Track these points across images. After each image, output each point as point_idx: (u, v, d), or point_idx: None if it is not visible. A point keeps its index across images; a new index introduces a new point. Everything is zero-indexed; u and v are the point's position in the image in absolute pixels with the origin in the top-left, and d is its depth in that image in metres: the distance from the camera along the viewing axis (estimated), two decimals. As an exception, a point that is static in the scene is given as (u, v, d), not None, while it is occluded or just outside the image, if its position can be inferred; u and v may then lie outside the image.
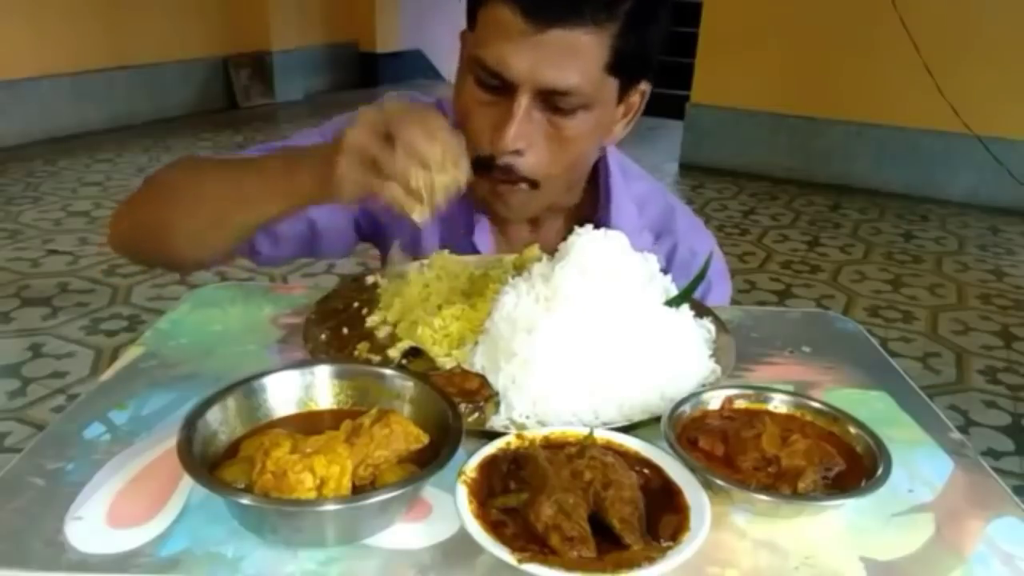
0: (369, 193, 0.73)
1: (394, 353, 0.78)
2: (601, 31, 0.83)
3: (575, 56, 0.83)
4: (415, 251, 1.02)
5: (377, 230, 1.07)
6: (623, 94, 0.91)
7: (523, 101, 0.84)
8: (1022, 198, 4.19)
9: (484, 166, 0.85)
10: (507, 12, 0.82)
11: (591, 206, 1.03)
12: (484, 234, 1.01)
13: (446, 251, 0.94)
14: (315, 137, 1.00)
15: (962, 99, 4.09)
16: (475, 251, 1.00)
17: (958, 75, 4.09)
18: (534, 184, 0.89)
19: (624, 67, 0.87)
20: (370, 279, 0.95)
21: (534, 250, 0.91)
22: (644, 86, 0.94)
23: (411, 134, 0.71)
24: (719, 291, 1.07)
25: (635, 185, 1.07)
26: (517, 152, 0.86)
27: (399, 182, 0.71)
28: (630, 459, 0.60)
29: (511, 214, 0.96)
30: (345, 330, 0.84)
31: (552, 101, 0.85)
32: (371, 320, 0.85)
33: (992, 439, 2.24)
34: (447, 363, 0.75)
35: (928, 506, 0.62)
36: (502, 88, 0.85)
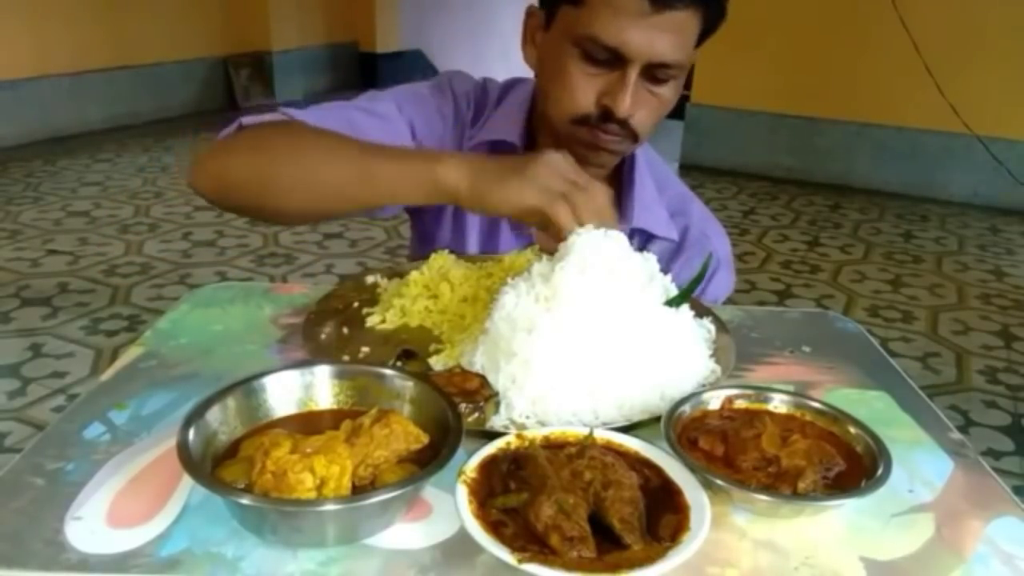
0: (546, 205, 0.80)
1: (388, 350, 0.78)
2: (700, 9, 0.92)
3: (682, 34, 0.92)
4: (460, 217, 1.08)
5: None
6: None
7: (634, 74, 0.92)
8: (1022, 198, 4.19)
9: (588, 121, 0.96)
10: None
11: (617, 178, 1.10)
12: None
13: (446, 251, 0.94)
14: (390, 104, 1.04)
15: (962, 99, 4.09)
16: (520, 231, 1.06)
17: (958, 75, 4.09)
18: (635, 138, 0.99)
19: (703, 39, 0.97)
20: (370, 279, 0.95)
21: (530, 253, 0.92)
22: (695, 54, 1.02)
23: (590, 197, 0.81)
24: (723, 280, 1.11)
25: (656, 165, 1.14)
26: (631, 115, 0.95)
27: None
28: (630, 459, 0.60)
29: (605, 162, 1.03)
30: (345, 330, 0.84)
31: (653, 72, 0.93)
32: (371, 320, 0.85)
33: (992, 439, 2.24)
34: (438, 364, 0.76)
35: (928, 506, 0.62)
36: (612, 62, 0.92)
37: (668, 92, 0.97)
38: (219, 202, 0.96)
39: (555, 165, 0.83)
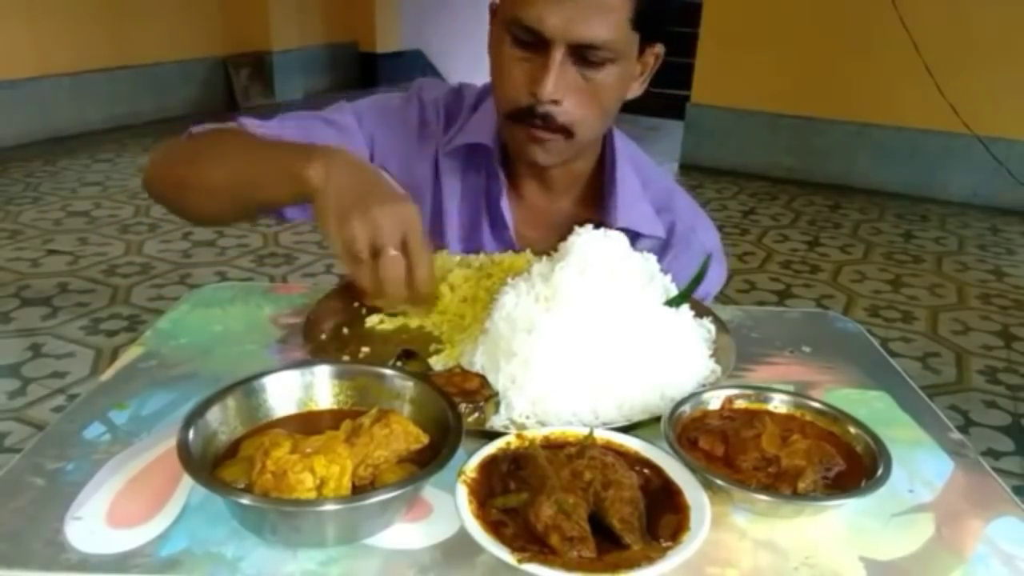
0: (351, 264, 0.79)
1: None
2: None
3: (605, 12, 0.89)
4: (439, 221, 1.06)
5: None
6: (641, 51, 0.97)
7: (557, 55, 0.89)
8: (1022, 198, 4.19)
9: (522, 117, 0.93)
10: None
11: (598, 176, 1.08)
12: (505, 201, 1.05)
13: (445, 251, 0.94)
14: (349, 114, 1.06)
15: (962, 99, 4.09)
16: (494, 214, 1.05)
17: (958, 75, 4.09)
18: (569, 133, 0.95)
19: (645, 22, 0.93)
20: None
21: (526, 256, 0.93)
22: (659, 48, 1.00)
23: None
24: (715, 274, 1.08)
25: (639, 160, 1.12)
26: (555, 102, 0.92)
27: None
28: (630, 459, 0.60)
29: (548, 159, 1.00)
30: (345, 330, 0.84)
31: (583, 54, 0.90)
32: (371, 320, 0.85)
33: (992, 439, 2.24)
34: (438, 364, 0.76)
35: (928, 506, 0.62)
36: (537, 44, 0.90)
37: (606, 78, 0.93)
38: (159, 202, 1.02)
39: (397, 218, 0.78)
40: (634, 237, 1.07)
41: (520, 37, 0.91)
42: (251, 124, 1.00)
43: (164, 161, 1.03)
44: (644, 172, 1.11)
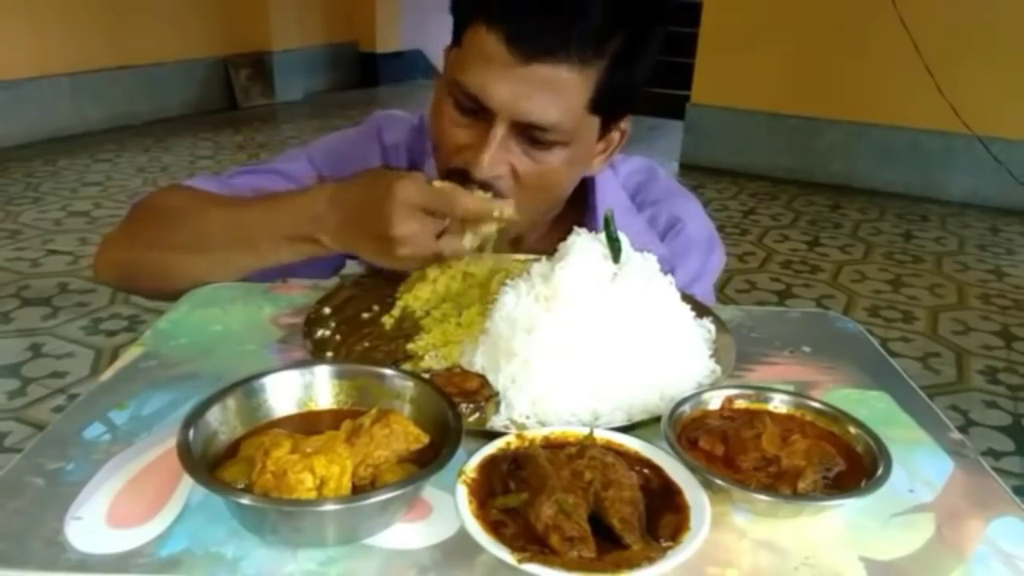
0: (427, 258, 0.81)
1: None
2: (586, 69, 0.81)
3: (556, 93, 0.81)
4: None
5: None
6: (604, 131, 0.90)
7: (499, 131, 0.83)
8: (1022, 198, 4.19)
9: (460, 176, 0.85)
10: (492, 39, 0.80)
11: (578, 206, 1.01)
12: None
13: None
14: (302, 161, 1.02)
15: (962, 99, 4.09)
16: None
17: (958, 75, 4.09)
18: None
19: (607, 106, 0.85)
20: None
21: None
22: (625, 124, 0.93)
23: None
24: (713, 260, 1.05)
25: (621, 168, 1.06)
26: (494, 176, 0.85)
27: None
28: (630, 459, 0.60)
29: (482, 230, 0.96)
30: (345, 329, 0.84)
31: (529, 134, 0.83)
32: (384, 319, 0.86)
33: (992, 439, 2.24)
34: (433, 365, 0.76)
35: (928, 506, 0.62)
36: (479, 112, 0.84)
37: (553, 161, 0.85)
38: (125, 290, 0.99)
39: (412, 236, 0.78)
40: None
41: (462, 102, 0.84)
42: (202, 184, 0.95)
43: (120, 248, 0.96)
44: (629, 176, 1.06)
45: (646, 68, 0.86)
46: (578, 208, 1.01)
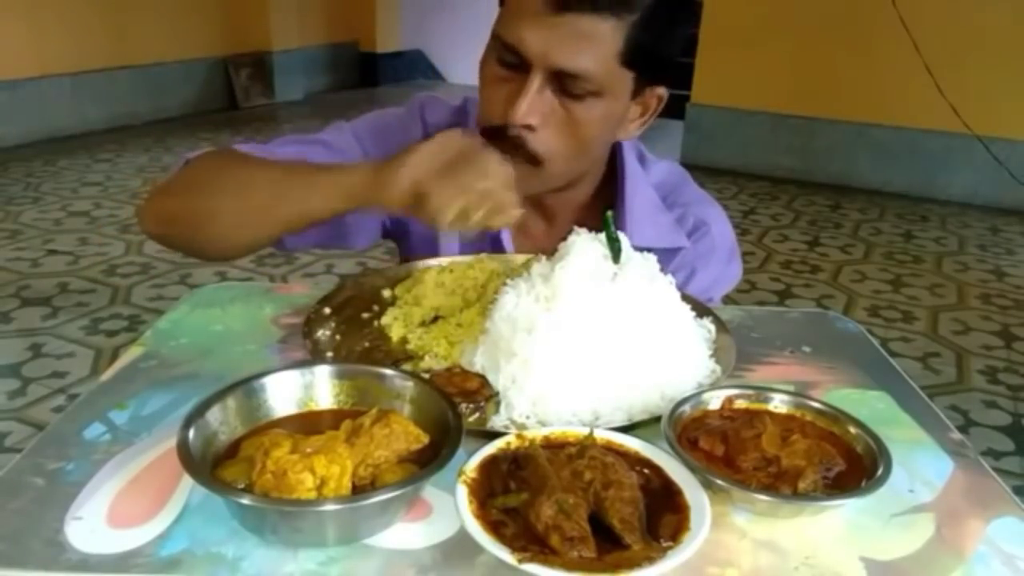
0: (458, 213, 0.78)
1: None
2: (618, 20, 0.85)
3: (589, 42, 0.85)
4: (434, 247, 1.03)
5: (399, 225, 1.09)
6: (639, 91, 0.93)
7: (536, 79, 0.87)
8: (1022, 198, 4.19)
9: (494, 136, 0.88)
10: None
11: (608, 198, 1.04)
12: (506, 231, 1.02)
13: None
14: (347, 134, 1.03)
15: (962, 99, 4.09)
16: (495, 246, 1.02)
17: (958, 75, 4.09)
18: (536, 161, 0.91)
19: (640, 61, 0.88)
20: (387, 293, 0.94)
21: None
22: (662, 91, 0.96)
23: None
24: (732, 271, 1.10)
25: (652, 169, 1.09)
26: (528, 127, 0.88)
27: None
28: (630, 459, 0.60)
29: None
30: (345, 329, 0.84)
31: (564, 83, 0.87)
32: (385, 319, 0.86)
33: (992, 439, 2.24)
34: (434, 365, 0.75)
35: (928, 506, 0.62)
36: (519, 65, 0.88)
37: (587, 112, 0.89)
38: (164, 241, 0.97)
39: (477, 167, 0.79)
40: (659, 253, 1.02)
41: (503, 57, 0.89)
42: (249, 148, 0.96)
43: (167, 197, 0.95)
44: (659, 176, 1.09)
45: (678, 30, 0.91)
46: (609, 202, 1.03)
